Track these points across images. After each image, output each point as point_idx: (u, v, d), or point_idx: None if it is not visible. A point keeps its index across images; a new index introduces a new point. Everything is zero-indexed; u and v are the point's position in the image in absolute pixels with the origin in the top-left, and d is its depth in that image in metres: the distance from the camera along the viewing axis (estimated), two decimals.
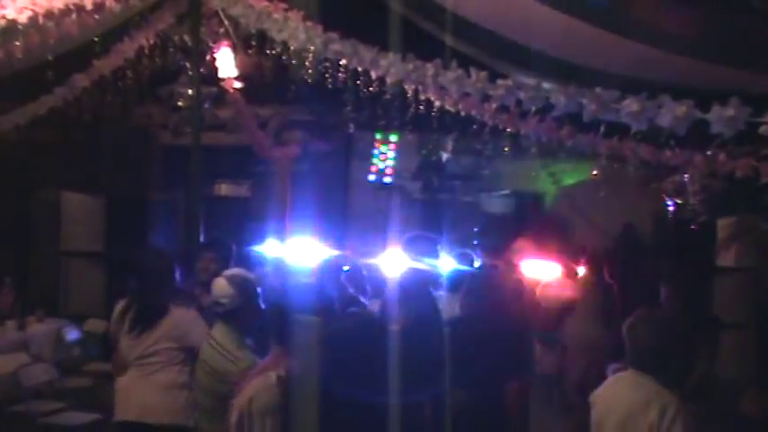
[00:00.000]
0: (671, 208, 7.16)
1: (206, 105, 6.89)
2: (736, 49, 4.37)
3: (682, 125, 3.09)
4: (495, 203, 10.39)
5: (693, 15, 4.26)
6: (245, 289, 3.82)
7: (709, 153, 4.28)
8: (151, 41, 6.15)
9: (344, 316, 4.25)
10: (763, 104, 2.99)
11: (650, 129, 3.20)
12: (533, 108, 3.54)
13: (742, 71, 4.49)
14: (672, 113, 3.08)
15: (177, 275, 4.49)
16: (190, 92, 6.23)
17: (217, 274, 4.52)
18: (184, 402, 4.23)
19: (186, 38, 6.06)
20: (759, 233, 6.92)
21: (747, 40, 4.33)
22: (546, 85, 3.51)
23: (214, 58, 6.76)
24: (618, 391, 3.27)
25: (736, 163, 4.21)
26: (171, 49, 6.30)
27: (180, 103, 6.97)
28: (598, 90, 3.27)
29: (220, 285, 3.82)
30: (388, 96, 4.35)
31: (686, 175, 6.37)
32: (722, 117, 2.98)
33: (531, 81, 3.60)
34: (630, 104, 3.18)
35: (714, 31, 4.32)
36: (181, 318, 4.31)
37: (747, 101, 2.98)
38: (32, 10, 4.10)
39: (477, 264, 5.97)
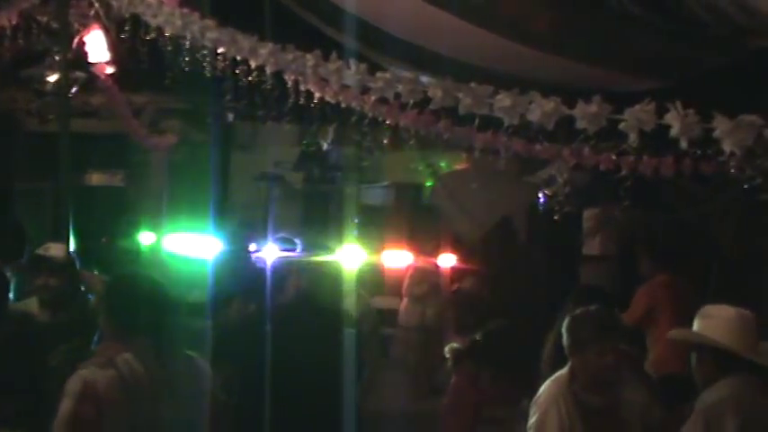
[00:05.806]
0: (542, 199, 7.48)
1: (74, 90, 6.54)
2: (598, 49, 4.63)
3: (550, 120, 3.24)
4: (375, 195, 10.48)
5: (559, 15, 4.47)
6: None
7: (574, 147, 4.51)
8: (14, 22, 5.79)
9: None
10: (623, 102, 3.18)
11: (521, 123, 3.35)
12: (411, 101, 3.61)
13: (604, 70, 4.77)
14: (541, 109, 3.22)
15: None
16: (56, 76, 5.91)
17: None
18: None
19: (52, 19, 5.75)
20: (618, 223, 7.37)
21: (609, 40, 4.60)
22: (423, 79, 3.59)
23: (83, 42, 6.43)
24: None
25: (599, 157, 4.47)
26: (35, 31, 5.94)
27: (44, 88, 6.60)
28: (473, 85, 3.37)
29: None
30: (267, 86, 4.31)
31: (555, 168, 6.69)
32: (586, 113, 3.15)
33: (409, 74, 3.67)
34: (503, 99, 3.30)
35: (577, 31, 4.57)
36: None
37: (609, 99, 3.17)
38: None
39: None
